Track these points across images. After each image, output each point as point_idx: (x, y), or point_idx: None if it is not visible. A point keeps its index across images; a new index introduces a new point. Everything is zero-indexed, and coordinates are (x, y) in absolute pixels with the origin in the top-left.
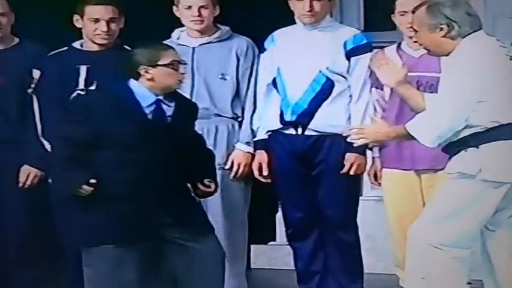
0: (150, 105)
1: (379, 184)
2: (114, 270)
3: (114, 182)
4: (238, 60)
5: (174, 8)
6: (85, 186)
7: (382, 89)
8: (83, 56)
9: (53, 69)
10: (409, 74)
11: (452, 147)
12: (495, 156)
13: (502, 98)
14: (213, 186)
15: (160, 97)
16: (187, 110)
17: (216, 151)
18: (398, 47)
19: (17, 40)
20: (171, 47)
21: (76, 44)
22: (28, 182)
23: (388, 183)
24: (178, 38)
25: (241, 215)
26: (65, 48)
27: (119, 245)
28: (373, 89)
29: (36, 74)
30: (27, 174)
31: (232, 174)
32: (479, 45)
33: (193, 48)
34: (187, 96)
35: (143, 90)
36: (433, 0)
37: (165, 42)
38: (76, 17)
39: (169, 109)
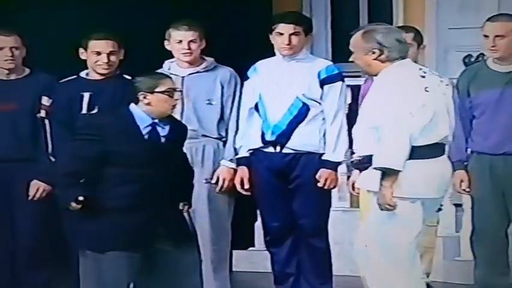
0: (147, 126)
1: (358, 194)
2: (115, 276)
3: (116, 194)
4: (222, 87)
5: (166, 42)
6: (73, 204)
7: None
8: (87, 84)
9: (63, 95)
10: None
11: (360, 164)
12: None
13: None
14: (185, 209)
15: (156, 120)
16: (180, 131)
17: (203, 168)
18: None
19: (28, 70)
20: (168, 76)
21: (82, 73)
22: (37, 195)
23: (364, 194)
24: (169, 69)
25: (226, 224)
26: (74, 76)
27: (121, 251)
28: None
29: (45, 100)
30: (36, 188)
31: (218, 188)
32: (400, 73)
33: (183, 77)
34: (178, 119)
35: (141, 113)
36: (369, 27)
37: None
38: (81, 50)
39: (163, 130)
